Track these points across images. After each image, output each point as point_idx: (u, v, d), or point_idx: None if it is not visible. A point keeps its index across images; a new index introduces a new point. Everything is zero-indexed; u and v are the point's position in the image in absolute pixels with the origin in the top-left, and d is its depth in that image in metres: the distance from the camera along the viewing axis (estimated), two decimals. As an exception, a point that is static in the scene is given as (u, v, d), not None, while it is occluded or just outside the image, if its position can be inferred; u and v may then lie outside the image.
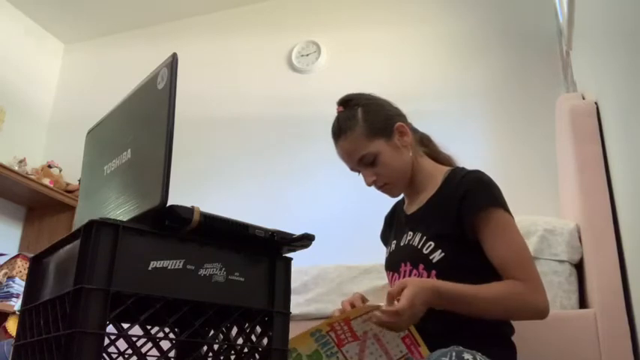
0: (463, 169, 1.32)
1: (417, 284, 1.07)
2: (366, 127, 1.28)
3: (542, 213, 1.88)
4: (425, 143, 1.40)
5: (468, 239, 1.20)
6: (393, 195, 1.35)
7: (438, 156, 1.39)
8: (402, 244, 1.32)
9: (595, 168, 1.50)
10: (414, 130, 1.39)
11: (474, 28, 2.95)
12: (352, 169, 1.34)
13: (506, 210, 1.21)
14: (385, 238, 1.50)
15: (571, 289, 1.54)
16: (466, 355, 0.90)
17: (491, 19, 2.93)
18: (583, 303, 1.55)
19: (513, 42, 2.83)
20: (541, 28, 2.78)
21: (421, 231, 1.26)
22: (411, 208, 1.36)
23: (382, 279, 1.75)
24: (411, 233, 1.29)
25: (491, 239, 1.18)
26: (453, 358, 0.89)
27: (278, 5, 3.51)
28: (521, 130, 2.66)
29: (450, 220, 1.22)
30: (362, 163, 1.30)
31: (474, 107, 2.79)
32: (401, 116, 1.36)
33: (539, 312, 1.14)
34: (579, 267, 1.59)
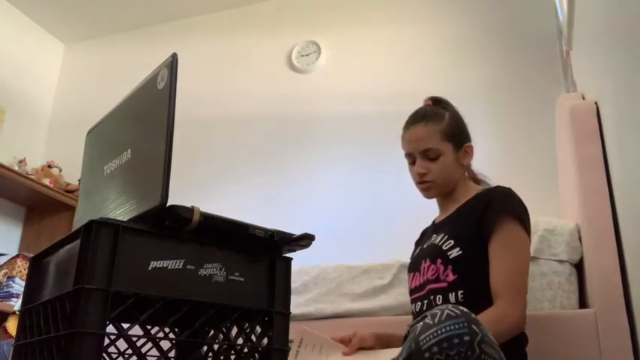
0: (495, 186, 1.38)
1: None
2: (447, 129, 1.36)
3: (542, 213, 1.87)
4: (472, 171, 1.47)
5: (485, 243, 1.25)
6: (428, 194, 1.39)
7: (478, 182, 1.46)
8: (425, 246, 1.38)
9: (595, 168, 1.50)
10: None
11: (474, 28, 2.95)
12: (408, 154, 1.39)
13: (524, 227, 1.24)
14: None
15: (571, 289, 1.54)
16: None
17: (491, 19, 2.93)
18: (583, 303, 1.55)
19: (513, 42, 2.83)
20: (541, 28, 2.78)
21: (444, 232, 1.32)
22: (440, 219, 1.43)
23: (382, 279, 1.74)
24: (434, 236, 1.35)
25: (495, 248, 1.23)
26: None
27: (278, 5, 3.50)
28: (521, 130, 2.66)
29: (471, 223, 1.27)
30: (425, 154, 1.35)
31: (473, 107, 2.79)
32: (470, 143, 1.43)
33: (514, 329, 1.16)
34: (579, 267, 1.59)
